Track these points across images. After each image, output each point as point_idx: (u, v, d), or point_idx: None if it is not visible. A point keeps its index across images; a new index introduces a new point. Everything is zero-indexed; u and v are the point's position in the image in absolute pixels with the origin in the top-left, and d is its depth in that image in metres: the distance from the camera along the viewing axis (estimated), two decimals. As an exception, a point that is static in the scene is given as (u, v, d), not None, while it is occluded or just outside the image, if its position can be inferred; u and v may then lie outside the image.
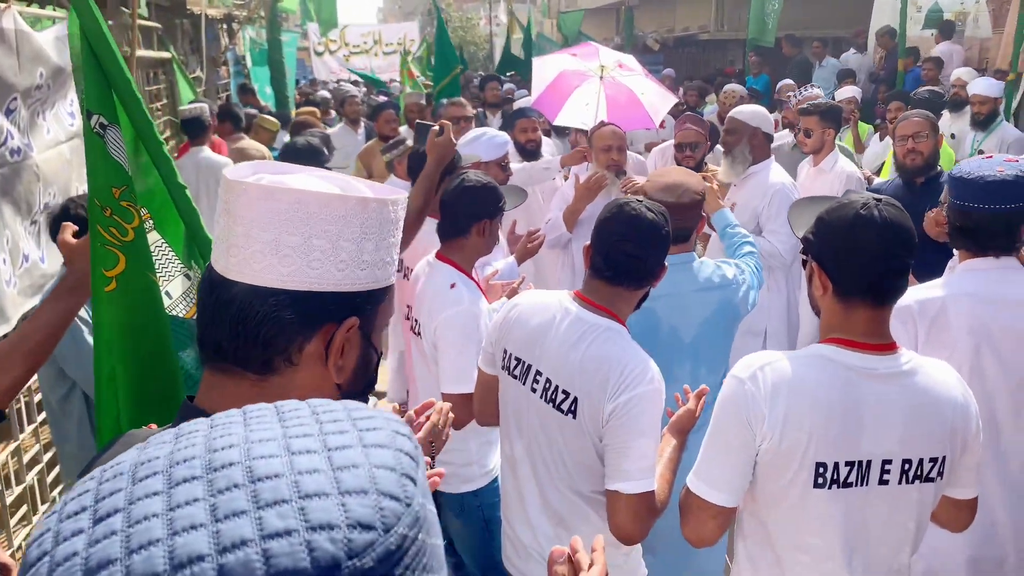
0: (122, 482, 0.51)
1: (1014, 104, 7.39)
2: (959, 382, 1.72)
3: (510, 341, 2.17)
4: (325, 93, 11.33)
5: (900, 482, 1.66)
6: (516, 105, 7.15)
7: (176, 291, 1.88)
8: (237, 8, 10.05)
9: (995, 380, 2.23)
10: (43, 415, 3.42)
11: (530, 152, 5.10)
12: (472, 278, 2.73)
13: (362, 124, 7.96)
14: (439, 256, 2.75)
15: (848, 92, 5.60)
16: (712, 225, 3.38)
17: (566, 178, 4.99)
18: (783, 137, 6.06)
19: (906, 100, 6.23)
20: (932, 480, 1.67)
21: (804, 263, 1.81)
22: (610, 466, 1.96)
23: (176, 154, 6.18)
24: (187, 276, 1.93)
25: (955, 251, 3.19)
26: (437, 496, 3.08)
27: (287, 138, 6.17)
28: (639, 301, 2.18)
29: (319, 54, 17.04)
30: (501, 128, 5.21)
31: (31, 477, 3.65)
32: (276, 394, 1.00)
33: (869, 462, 1.64)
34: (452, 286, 2.60)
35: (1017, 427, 2.27)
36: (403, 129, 6.61)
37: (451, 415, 1.81)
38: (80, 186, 3.78)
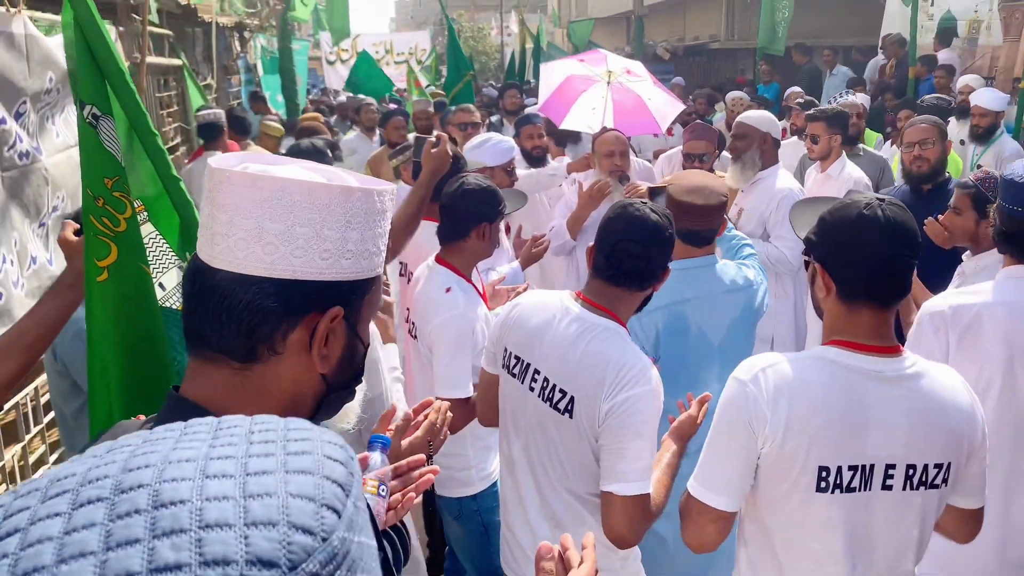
0: (33, 499, 0.48)
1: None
2: (965, 388, 1.70)
3: (510, 340, 2.17)
4: (343, 99, 11.37)
5: (904, 488, 1.63)
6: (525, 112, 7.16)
7: (170, 283, 1.89)
8: (249, 16, 10.12)
9: None
10: (50, 415, 3.43)
11: (536, 158, 5.10)
12: (471, 282, 2.72)
13: (377, 132, 8.01)
14: (438, 259, 2.75)
15: (855, 99, 5.57)
16: None
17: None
18: (791, 144, 6.05)
19: (915, 108, 6.19)
20: (937, 487, 1.64)
21: (806, 264, 1.79)
22: (605, 467, 1.95)
23: (188, 160, 6.22)
24: (181, 268, 1.92)
25: (965, 256, 3.21)
26: (433, 499, 3.07)
27: (293, 144, 6.20)
28: (640, 304, 2.17)
29: (331, 63, 17.12)
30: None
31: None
32: (260, 383, 1.00)
33: (872, 466, 1.62)
34: (448, 290, 2.59)
35: None
36: (412, 136, 6.64)
37: (449, 414, 1.81)
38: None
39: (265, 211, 0.96)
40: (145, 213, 1.86)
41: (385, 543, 1.42)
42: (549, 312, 2.10)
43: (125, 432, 0.91)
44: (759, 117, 4.37)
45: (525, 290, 2.96)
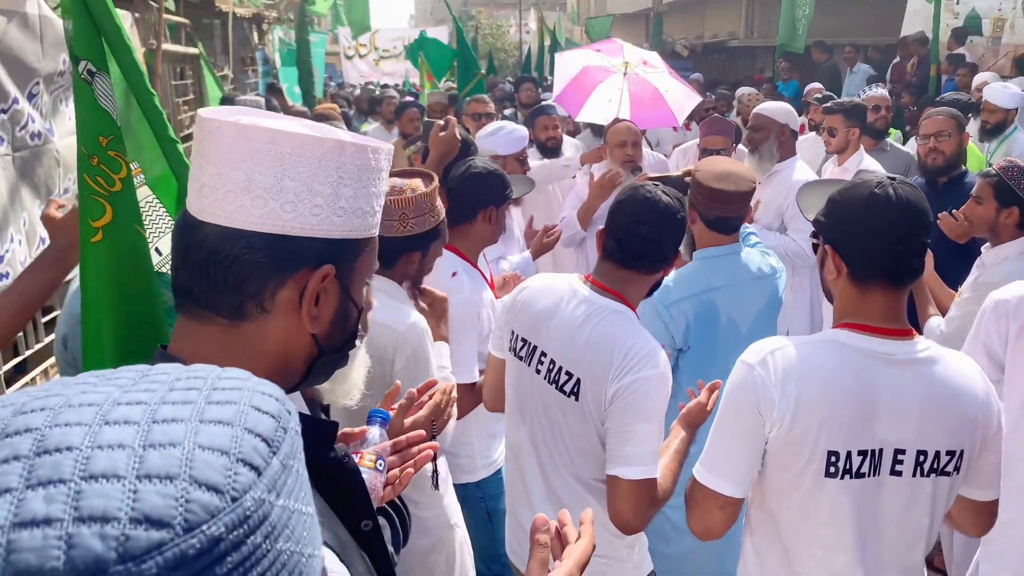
0: None
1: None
2: (981, 376, 1.65)
3: (517, 322, 2.14)
4: (358, 92, 11.39)
5: (914, 474, 1.59)
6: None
7: (166, 248, 1.85)
8: (267, 8, 10.14)
9: None
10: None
11: (551, 150, 5.07)
12: (477, 267, 2.70)
13: (397, 125, 8.02)
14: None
15: (878, 92, 5.50)
16: None
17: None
18: (810, 140, 5.98)
19: (934, 107, 6.11)
20: (948, 474, 1.60)
21: (815, 247, 1.75)
22: (611, 451, 1.91)
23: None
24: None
25: (984, 248, 3.16)
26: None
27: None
28: (651, 289, 2.13)
29: (349, 58, 17.18)
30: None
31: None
32: (247, 341, 0.97)
33: (881, 451, 1.58)
34: (453, 274, 2.57)
35: None
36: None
37: (454, 395, 1.78)
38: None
39: (255, 163, 0.93)
40: (141, 176, 1.83)
41: (383, 520, 1.39)
42: (557, 295, 2.07)
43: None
44: (777, 108, 4.32)
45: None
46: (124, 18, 3.49)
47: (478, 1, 43.75)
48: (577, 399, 1.97)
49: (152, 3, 4.77)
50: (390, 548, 1.27)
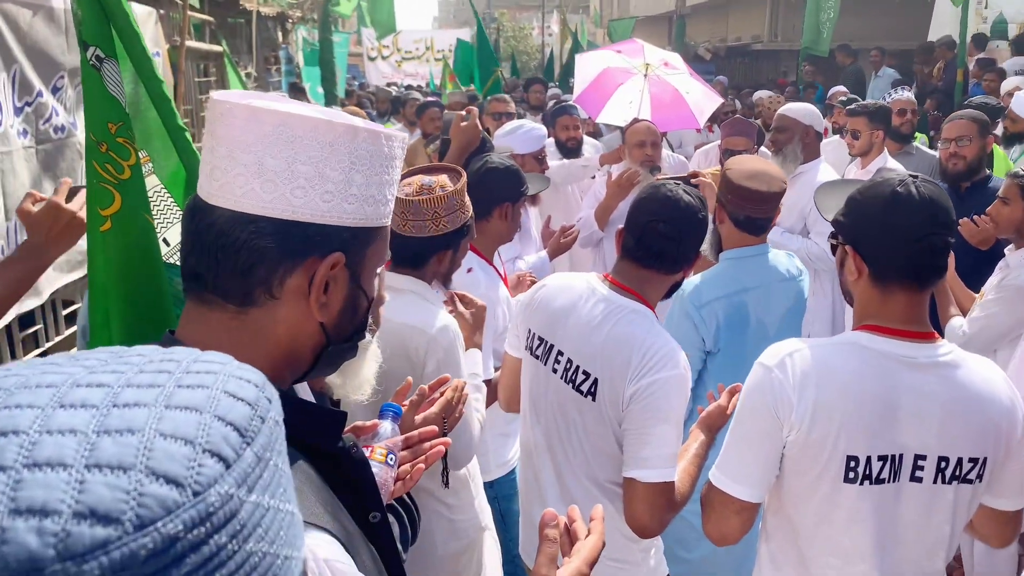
0: None
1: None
2: (1005, 381, 1.61)
3: (534, 321, 2.12)
4: (395, 91, 11.43)
5: (935, 481, 1.55)
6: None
7: (174, 238, 1.85)
8: (291, 8, 10.20)
9: None
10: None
11: (571, 150, 5.05)
12: (492, 264, 2.68)
13: (418, 125, 8.03)
14: None
15: (903, 95, 5.42)
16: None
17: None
18: (832, 142, 5.92)
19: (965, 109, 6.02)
20: (970, 482, 1.56)
21: (834, 248, 1.71)
22: (628, 453, 1.88)
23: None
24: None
25: (1008, 249, 3.11)
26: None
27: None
28: (670, 290, 2.10)
29: (372, 59, 17.26)
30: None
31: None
32: (255, 328, 0.96)
33: (901, 456, 1.54)
34: (469, 270, 2.55)
35: None
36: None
37: (466, 392, 1.76)
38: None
39: (266, 146, 0.92)
40: (150, 165, 1.83)
41: (391, 518, 1.38)
42: (575, 293, 2.05)
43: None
44: (801, 109, 4.28)
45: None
46: (149, 15, 3.52)
47: (501, 3, 43.81)
48: (594, 399, 1.95)
49: (177, 0, 4.80)
50: (399, 545, 1.26)
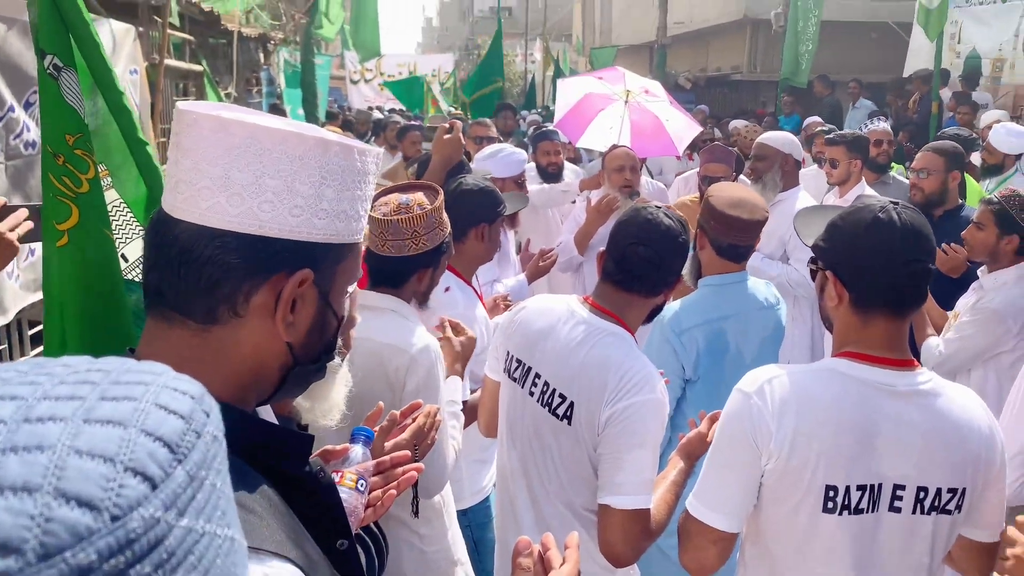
0: None
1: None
2: (984, 411, 1.59)
3: (513, 343, 2.09)
4: (378, 115, 11.44)
5: (914, 511, 1.53)
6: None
7: (133, 254, 1.80)
8: (273, 29, 10.20)
9: None
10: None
11: (552, 175, 5.06)
12: (471, 285, 2.65)
13: (400, 148, 8.03)
14: None
15: (880, 126, 5.49)
16: None
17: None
18: (811, 171, 5.97)
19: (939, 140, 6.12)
20: (949, 512, 1.54)
21: (813, 273, 1.70)
22: (603, 478, 1.85)
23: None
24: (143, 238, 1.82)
25: (981, 272, 3.16)
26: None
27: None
28: (651, 314, 2.08)
29: (355, 83, 17.29)
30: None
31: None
32: (218, 346, 0.92)
33: (880, 486, 1.52)
34: (446, 289, 2.52)
35: None
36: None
37: (439, 418, 1.72)
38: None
39: (233, 159, 0.89)
40: (109, 179, 1.78)
41: (359, 547, 1.33)
42: (554, 315, 2.02)
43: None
44: (781, 138, 4.31)
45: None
46: (127, 32, 3.49)
47: (484, 30, 44.20)
48: (570, 423, 1.91)
49: (156, 18, 4.77)
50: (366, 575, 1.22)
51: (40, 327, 3.60)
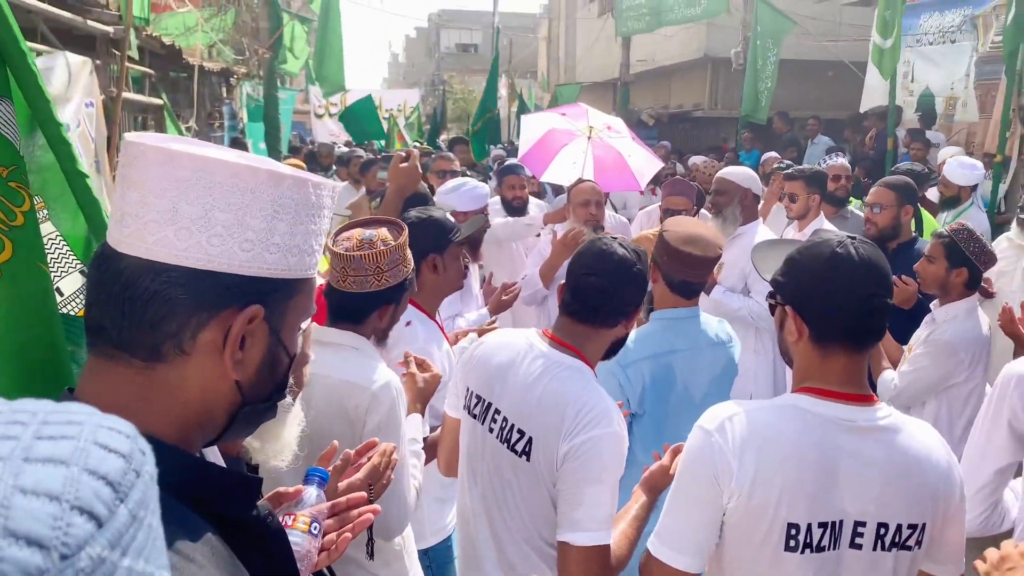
0: None
1: (1002, 189, 7.44)
2: (943, 445, 1.60)
3: (472, 378, 2.06)
4: (343, 149, 11.42)
5: (875, 548, 1.52)
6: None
7: (69, 288, 1.74)
8: (236, 64, 10.17)
9: None
10: None
11: (516, 208, 5.07)
12: (434, 319, 2.62)
13: (363, 182, 8.01)
14: None
15: (838, 161, 5.62)
16: None
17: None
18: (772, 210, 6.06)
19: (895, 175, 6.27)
20: (909, 548, 1.53)
21: (772, 308, 1.70)
22: (562, 515, 1.82)
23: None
24: (83, 273, 1.77)
25: (933, 305, 3.21)
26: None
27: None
28: (613, 347, 2.06)
29: (319, 116, 17.26)
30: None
31: None
32: (163, 385, 0.88)
33: (841, 522, 1.50)
34: (408, 324, 2.49)
35: None
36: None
37: (395, 457, 1.68)
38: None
39: (182, 191, 0.87)
40: (45, 211, 1.72)
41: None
42: (514, 350, 2.00)
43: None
44: (740, 173, 4.38)
45: (489, 325, 2.86)
46: (84, 64, 3.44)
47: (450, 66, 44.61)
48: (529, 459, 1.88)
49: (115, 51, 4.73)
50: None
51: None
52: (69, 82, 3.10)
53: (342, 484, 1.53)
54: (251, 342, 0.92)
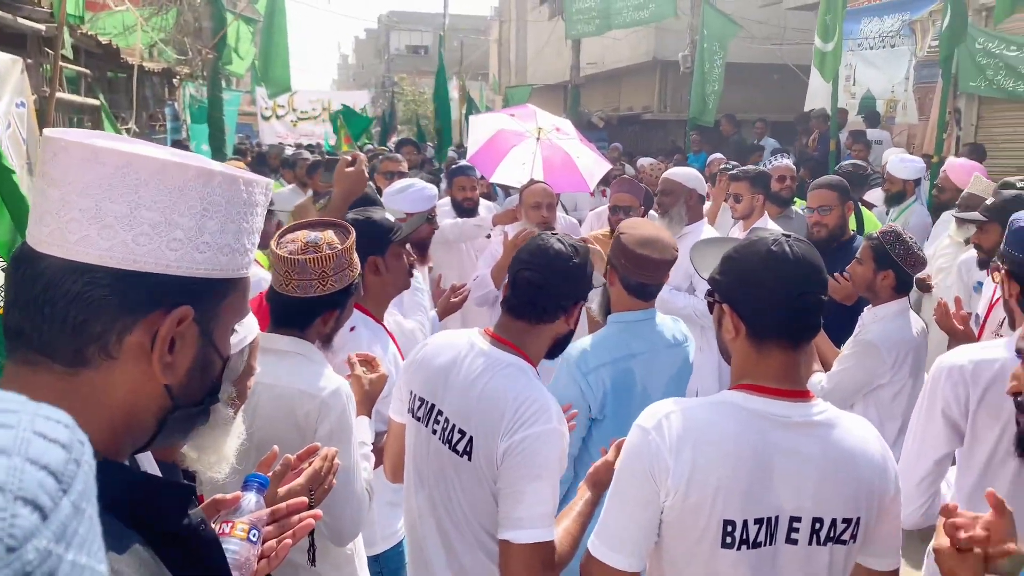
0: None
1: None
2: (878, 440, 1.63)
3: (415, 381, 2.04)
4: (290, 151, 11.26)
5: (810, 542, 1.54)
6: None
7: None
8: (179, 64, 9.96)
9: None
10: None
11: (467, 210, 5.07)
12: (380, 322, 2.59)
13: (310, 184, 7.91)
14: None
15: (783, 162, 5.73)
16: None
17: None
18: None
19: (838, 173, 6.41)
20: (844, 543, 1.56)
21: (710, 306, 1.71)
22: (502, 513, 1.81)
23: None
24: (4, 271, 1.73)
25: (867, 308, 3.25)
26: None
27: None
28: (556, 344, 2.06)
29: (266, 118, 17.00)
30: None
31: None
32: (88, 391, 0.85)
33: (777, 518, 1.52)
34: (352, 329, 2.45)
35: None
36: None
37: (337, 461, 1.65)
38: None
39: (105, 189, 0.84)
40: None
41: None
42: (456, 350, 1.99)
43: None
44: (685, 174, 4.44)
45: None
46: (14, 63, 3.33)
47: (401, 68, 44.35)
48: (470, 459, 1.87)
49: (48, 50, 4.59)
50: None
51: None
52: (-1, 81, 3.01)
53: (282, 490, 1.50)
54: (181, 345, 0.89)
